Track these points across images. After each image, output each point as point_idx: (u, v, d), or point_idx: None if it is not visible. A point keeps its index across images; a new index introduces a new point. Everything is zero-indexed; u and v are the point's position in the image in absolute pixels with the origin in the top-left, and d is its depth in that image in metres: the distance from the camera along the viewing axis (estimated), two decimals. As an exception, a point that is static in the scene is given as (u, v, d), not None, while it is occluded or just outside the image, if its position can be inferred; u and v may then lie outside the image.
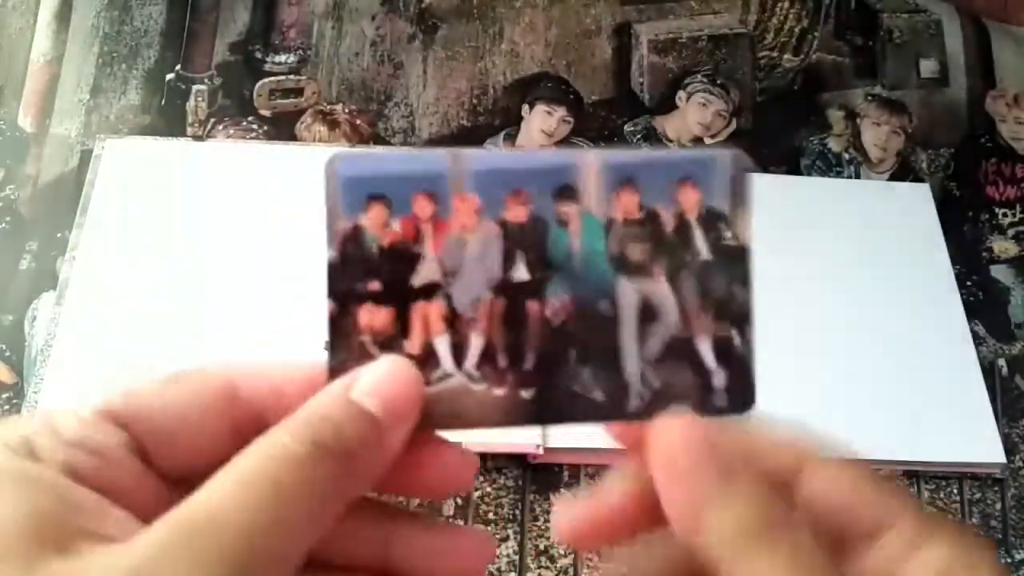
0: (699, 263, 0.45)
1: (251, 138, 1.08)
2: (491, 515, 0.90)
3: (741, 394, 0.45)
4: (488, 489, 0.91)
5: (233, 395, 0.42)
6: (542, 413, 0.45)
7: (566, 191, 0.44)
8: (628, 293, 0.45)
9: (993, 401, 0.98)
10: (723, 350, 0.45)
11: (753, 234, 0.44)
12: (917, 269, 1.05)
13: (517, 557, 0.88)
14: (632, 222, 0.45)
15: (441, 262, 0.44)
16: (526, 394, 0.44)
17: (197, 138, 1.07)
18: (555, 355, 0.44)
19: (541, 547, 0.89)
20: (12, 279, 0.98)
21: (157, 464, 0.40)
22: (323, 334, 0.43)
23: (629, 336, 0.45)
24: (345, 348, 0.43)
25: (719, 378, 0.45)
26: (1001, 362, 1.03)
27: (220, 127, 1.08)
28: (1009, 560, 0.93)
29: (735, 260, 0.45)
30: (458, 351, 0.44)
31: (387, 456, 0.39)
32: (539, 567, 0.88)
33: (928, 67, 1.21)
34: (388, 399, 0.40)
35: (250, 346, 0.92)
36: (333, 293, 0.43)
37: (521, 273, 0.44)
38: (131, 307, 0.94)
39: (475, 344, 0.44)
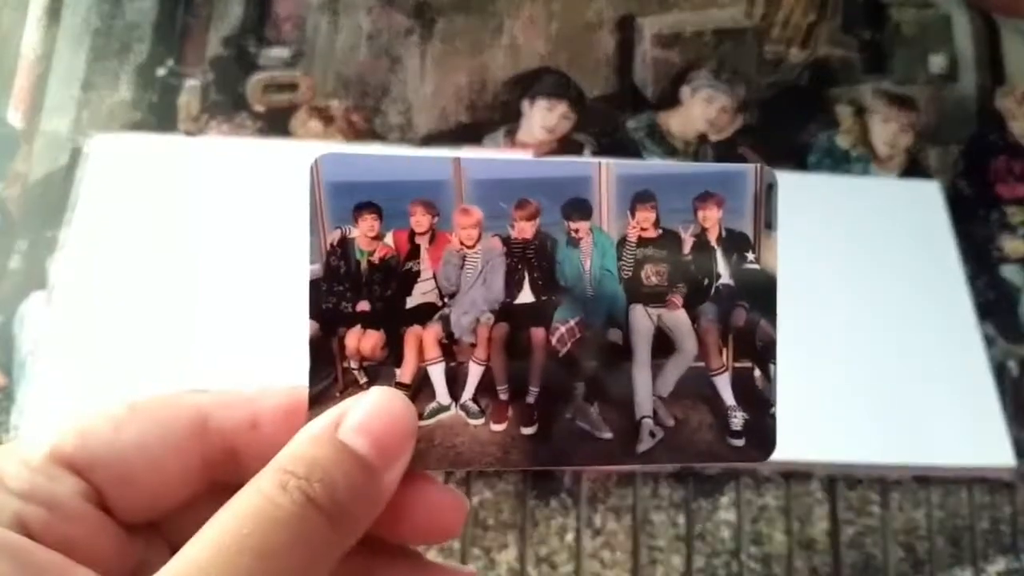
0: (719, 289, 0.41)
1: (244, 134, 1.06)
2: (491, 521, 0.89)
3: (761, 436, 0.41)
4: (488, 495, 0.90)
5: (202, 427, 0.38)
6: (544, 453, 0.41)
7: (577, 205, 0.41)
8: (641, 320, 0.41)
9: (1003, 403, 0.97)
10: (743, 386, 0.42)
11: (779, 258, 0.41)
12: (926, 268, 1.03)
13: (518, 564, 0.87)
14: (648, 241, 0.41)
15: (438, 281, 0.40)
16: (527, 431, 0.40)
17: (189, 134, 1.06)
18: (560, 388, 0.41)
19: (542, 553, 0.88)
20: (1, 278, 0.96)
21: (117, 511, 0.36)
22: (304, 357, 0.39)
23: (642, 368, 0.41)
24: (329, 374, 0.39)
25: (738, 417, 0.42)
26: (1012, 363, 1.02)
27: (213, 123, 1.07)
28: (1018, 564, 0.92)
29: (759, 287, 0.41)
30: (454, 381, 0.40)
31: (380, 504, 0.36)
32: (540, 574, 0.87)
33: (937, 63, 1.20)
34: (380, 439, 0.36)
35: (241, 348, 0.90)
36: (316, 313, 0.39)
37: (526, 295, 0.41)
38: (122, 307, 0.93)
39: (473, 373, 0.41)
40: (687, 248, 0.41)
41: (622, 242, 0.41)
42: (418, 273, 0.40)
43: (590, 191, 0.40)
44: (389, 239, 0.39)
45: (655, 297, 0.41)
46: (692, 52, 1.17)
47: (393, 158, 0.38)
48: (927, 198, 1.09)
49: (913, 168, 1.13)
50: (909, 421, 0.94)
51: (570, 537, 0.89)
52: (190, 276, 0.94)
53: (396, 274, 0.40)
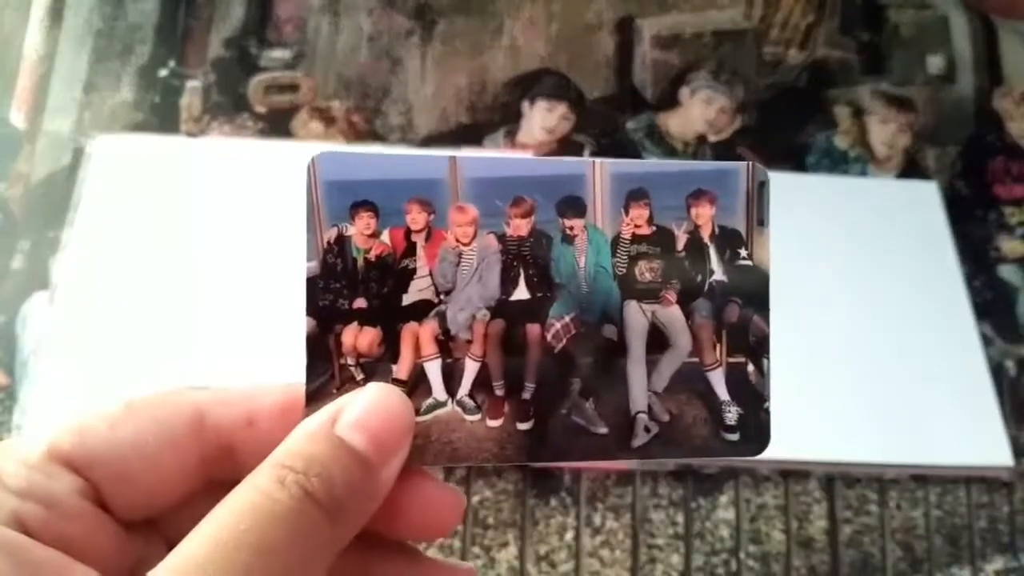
0: (712, 285, 0.41)
1: (246, 135, 1.06)
2: (490, 520, 0.89)
3: (755, 431, 0.41)
4: (488, 493, 0.90)
5: (199, 425, 0.38)
6: (540, 448, 0.41)
7: (572, 203, 0.41)
8: (636, 317, 0.41)
9: (1001, 403, 0.97)
10: (737, 381, 0.42)
11: (771, 254, 0.41)
12: (924, 268, 1.03)
13: (518, 563, 0.87)
14: (641, 238, 0.41)
15: (434, 278, 0.40)
16: (523, 427, 0.40)
17: (191, 135, 1.06)
18: (556, 383, 0.41)
19: (542, 552, 0.88)
20: (4, 279, 0.96)
21: (114, 508, 0.36)
22: (301, 355, 0.39)
23: (636, 364, 0.41)
24: (325, 371, 0.39)
25: (732, 412, 0.42)
26: (1009, 363, 1.01)
27: (214, 124, 1.07)
28: (1016, 564, 0.91)
29: (752, 283, 0.41)
30: (450, 377, 0.40)
31: (377, 500, 0.36)
32: (540, 573, 0.87)
33: (935, 63, 1.20)
34: (377, 435, 0.36)
35: (243, 348, 0.90)
36: (312, 310, 0.39)
37: (521, 292, 0.41)
38: (124, 307, 0.92)
39: (470, 369, 0.40)
40: (680, 245, 0.42)
41: (616, 239, 0.41)
42: (414, 270, 0.40)
43: (584, 189, 0.40)
44: (385, 237, 0.40)
45: (649, 293, 0.41)
46: (691, 53, 1.17)
47: (389, 157, 0.38)
48: (925, 198, 1.09)
49: (911, 169, 1.13)
50: (907, 420, 0.94)
51: (570, 536, 0.89)
52: (192, 276, 0.94)
53: (392, 271, 0.40)
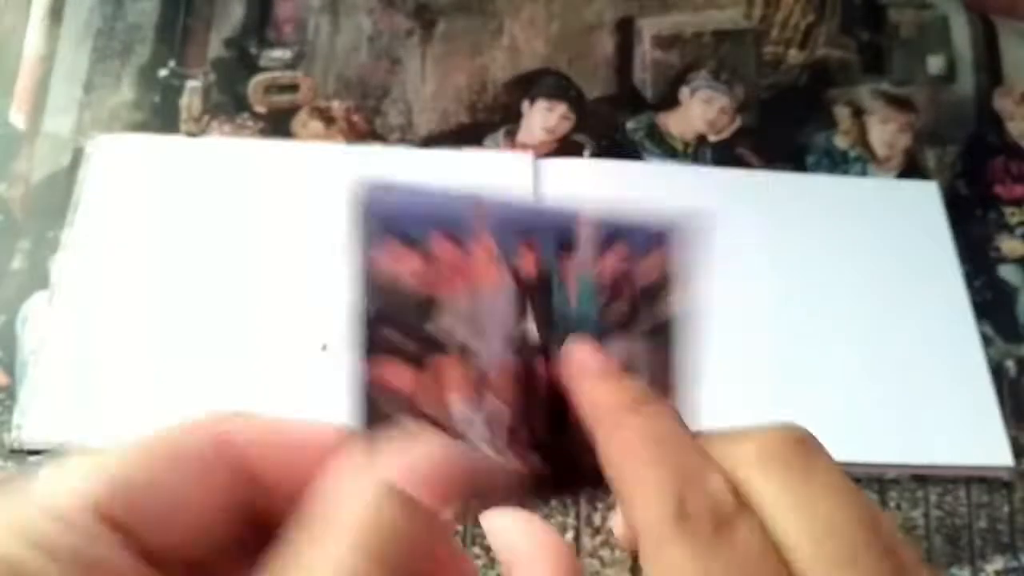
0: (651, 328, 0.42)
1: (246, 135, 1.06)
2: (491, 520, 0.88)
3: None
4: (488, 493, 0.89)
5: (236, 463, 0.36)
6: (560, 484, 0.41)
7: (566, 246, 0.41)
8: (618, 355, 0.42)
9: (1001, 403, 0.97)
10: None
11: (700, 300, 0.42)
12: (924, 268, 1.03)
13: (518, 563, 0.87)
14: (612, 282, 0.42)
15: (461, 315, 0.39)
16: (543, 465, 0.40)
17: (191, 135, 1.06)
18: (563, 420, 0.40)
19: (542, 552, 0.88)
20: (3, 279, 0.96)
21: (149, 552, 0.33)
22: (345, 391, 0.37)
23: None
24: (369, 411, 0.37)
25: None
26: (1009, 363, 1.01)
27: (214, 124, 1.07)
28: (1016, 564, 0.91)
29: (675, 329, 0.42)
30: (483, 418, 0.39)
31: (434, 552, 0.34)
32: (540, 572, 0.87)
33: (935, 63, 1.20)
34: (438, 488, 0.34)
35: (243, 349, 0.90)
36: (360, 345, 0.38)
37: (533, 331, 0.40)
38: (124, 307, 0.92)
39: (498, 410, 0.40)
40: (637, 289, 0.42)
41: (598, 284, 0.42)
42: (442, 305, 0.39)
43: (576, 231, 0.41)
44: (418, 270, 0.38)
45: (620, 334, 0.42)
46: (691, 53, 1.17)
47: (429, 190, 0.37)
48: (925, 198, 1.09)
49: (911, 169, 1.13)
50: (907, 420, 0.94)
51: (569, 535, 0.88)
52: (192, 276, 0.94)
53: (421, 306, 0.39)
